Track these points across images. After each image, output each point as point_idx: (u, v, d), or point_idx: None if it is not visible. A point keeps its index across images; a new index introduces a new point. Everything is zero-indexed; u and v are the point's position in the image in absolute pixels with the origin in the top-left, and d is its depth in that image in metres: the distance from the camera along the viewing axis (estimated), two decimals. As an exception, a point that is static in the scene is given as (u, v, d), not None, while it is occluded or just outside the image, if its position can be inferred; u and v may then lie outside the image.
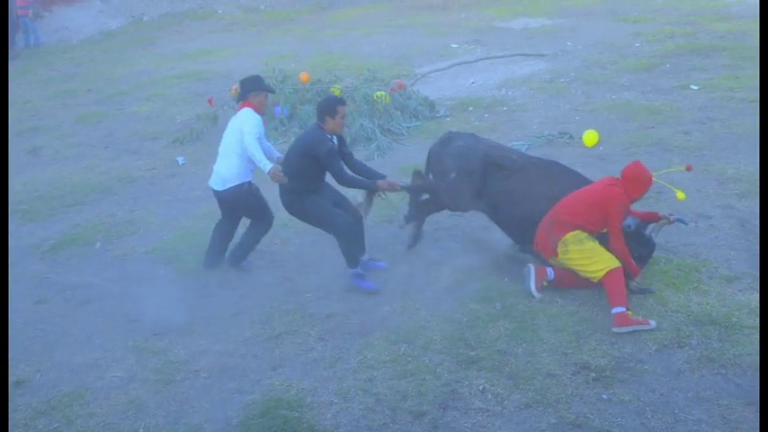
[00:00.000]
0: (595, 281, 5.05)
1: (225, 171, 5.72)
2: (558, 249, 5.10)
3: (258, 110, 5.75)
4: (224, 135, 5.83)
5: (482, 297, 5.28)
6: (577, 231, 5.07)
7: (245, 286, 5.76)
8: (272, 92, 6.13)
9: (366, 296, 5.44)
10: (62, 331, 5.34)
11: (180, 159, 8.68)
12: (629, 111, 8.91)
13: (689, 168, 5.60)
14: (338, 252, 6.05)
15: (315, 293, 5.56)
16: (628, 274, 5.12)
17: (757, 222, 6.04)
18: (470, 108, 9.59)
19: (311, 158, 5.40)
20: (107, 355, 5.01)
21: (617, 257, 5.06)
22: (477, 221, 5.95)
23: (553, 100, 9.66)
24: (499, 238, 5.92)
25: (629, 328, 4.75)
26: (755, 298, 5.01)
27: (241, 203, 5.80)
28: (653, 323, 4.79)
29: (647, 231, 5.34)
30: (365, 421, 4.19)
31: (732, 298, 5.05)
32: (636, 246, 5.20)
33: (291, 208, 5.64)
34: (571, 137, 8.12)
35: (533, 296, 5.20)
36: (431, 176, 5.80)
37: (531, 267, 5.27)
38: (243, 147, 5.59)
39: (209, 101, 9.38)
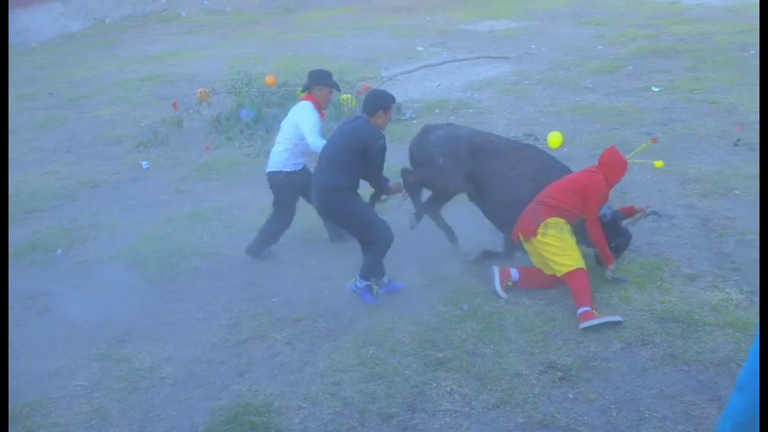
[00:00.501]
0: (558, 274, 5.13)
1: (272, 155, 5.94)
2: (539, 230, 5.16)
3: (319, 105, 5.80)
4: (282, 122, 5.98)
5: (449, 299, 5.30)
6: (560, 219, 5.17)
7: (211, 291, 5.70)
8: (338, 89, 6.07)
9: (333, 299, 5.41)
10: (23, 340, 5.23)
11: (144, 163, 8.57)
12: (592, 112, 9.02)
13: (654, 141, 5.90)
14: (307, 256, 6.05)
15: (282, 297, 5.53)
16: (602, 262, 5.31)
17: (718, 221, 6.16)
18: (437, 110, 9.63)
19: (360, 153, 5.09)
20: (70, 363, 4.92)
21: (593, 242, 5.24)
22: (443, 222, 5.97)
23: (518, 102, 9.74)
24: (466, 240, 5.96)
25: (596, 322, 4.82)
26: (716, 295, 5.10)
27: (273, 189, 5.96)
28: (619, 317, 4.87)
29: (623, 224, 5.47)
30: (333, 425, 4.17)
31: (694, 296, 5.13)
32: (612, 235, 5.35)
33: (330, 206, 5.22)
34: (536, 138, 8.18)
35: (500, 297, 5.24)
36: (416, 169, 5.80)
37: (495, 269, 5.33)
38: (291, 140, 5.77)
39: (174, 104, 9.28)
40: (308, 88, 5.83)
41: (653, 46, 11.77)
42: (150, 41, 15.53)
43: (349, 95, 9.10)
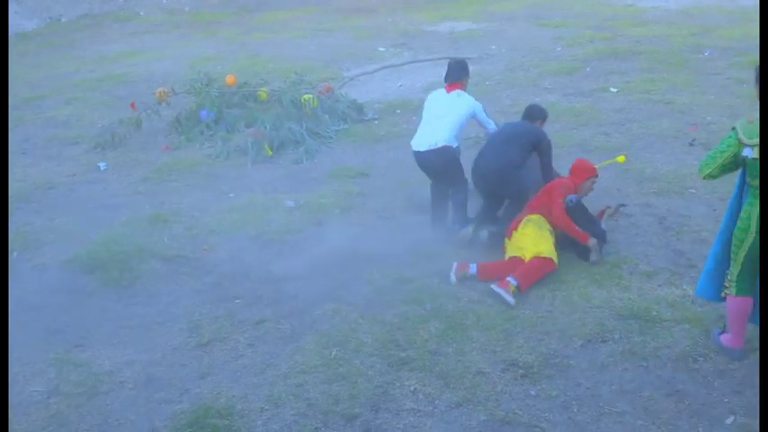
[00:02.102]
0: (528, 257, 5.40)
1: (432, 136, 6.21)
2: (520, 224, 5.65)
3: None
4: (430, 106, 6.42)
5: (412, 298, 5.32)
6: (540, 217, 5.63)
7: (171, 294, 5.63)
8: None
9: (297, 301, 5.39)
10: (-23, 346, 5.10)
11: (101, 165, 8.42)
12: (552, 112, 9.03)
13: (623, 159, 6.68)
14: (269, 257, 6.03)
15: (245, 299, 5.48)
16: (580, 244, 5.60)
17: (674, 219, 6.29)
18: (398, 111, 9.65)
19: (530, 148, 6.07)
20: (26, 368, 4.81)
21: (563, 228, 5.57)
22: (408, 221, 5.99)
23: (479, 102, 9.77)
24: (427, 240, 5.99)
25: (501, 292, 5.14)
26: (673, 292, 5.21)
27: (440, 165, 6.21)
28: (512, 300, 5.13)
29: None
30: (297, 427, 4.16)
31: (651, 293, 5.23)
32: (586, 223, 5.65)
33: (506, 177, 5.98)
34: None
35: (450, 280, 5.43)
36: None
37: (454, 263, 5.54)
38: (459, 123, 6.28)
39: (132, 104, 9.13)
40: (457, 79, 6.43)
41: (610, 48, 11.95)
42: (108, 41, 15.28)
43: (310, 96, 9.07)
